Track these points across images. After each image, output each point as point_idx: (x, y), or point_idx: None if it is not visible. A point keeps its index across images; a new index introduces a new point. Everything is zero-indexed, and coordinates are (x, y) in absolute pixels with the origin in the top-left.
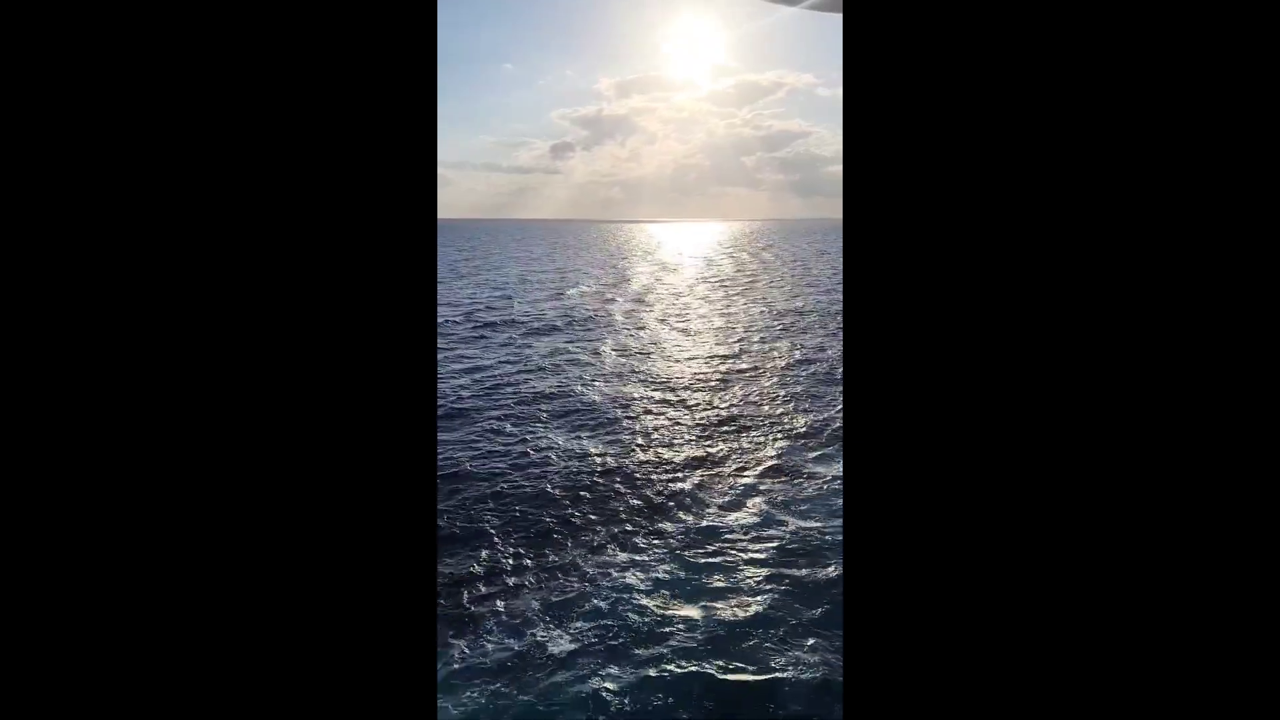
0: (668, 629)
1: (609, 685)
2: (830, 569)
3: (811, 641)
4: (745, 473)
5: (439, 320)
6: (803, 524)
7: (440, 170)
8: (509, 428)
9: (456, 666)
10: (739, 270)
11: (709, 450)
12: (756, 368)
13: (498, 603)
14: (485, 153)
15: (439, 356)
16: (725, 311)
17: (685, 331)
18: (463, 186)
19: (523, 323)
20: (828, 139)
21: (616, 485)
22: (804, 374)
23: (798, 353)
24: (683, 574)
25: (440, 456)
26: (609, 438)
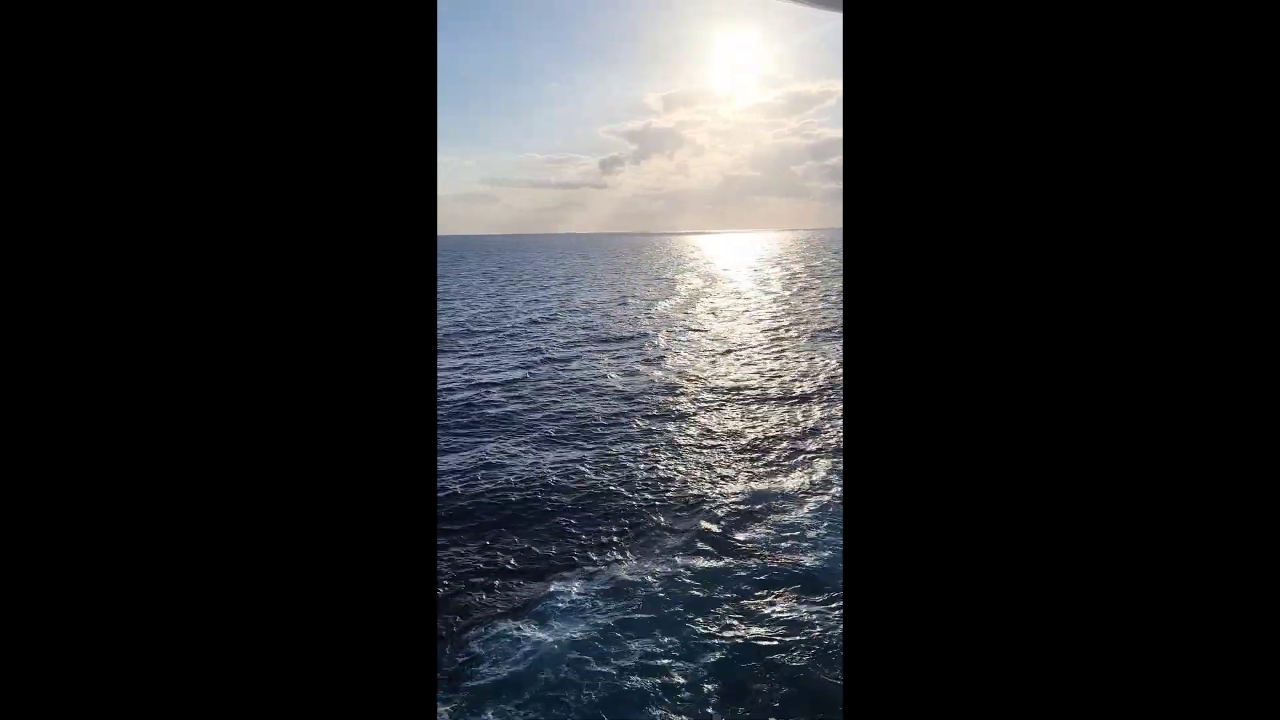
0: (670, 630)
1: (610, 686)
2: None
3: (813, 647)
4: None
5: (468, 329)
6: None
7: (481, 187)
8: (524, 434)
9: (457, 666)
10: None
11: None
12: None
13: (498, 604)
14: (533, 169)
15: (461, 362)
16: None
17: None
18: (503, 203)
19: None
20: None
21: (621, 488)
22: None
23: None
24: (689, 577)
25: (444, 458)
26: (613, 442)
